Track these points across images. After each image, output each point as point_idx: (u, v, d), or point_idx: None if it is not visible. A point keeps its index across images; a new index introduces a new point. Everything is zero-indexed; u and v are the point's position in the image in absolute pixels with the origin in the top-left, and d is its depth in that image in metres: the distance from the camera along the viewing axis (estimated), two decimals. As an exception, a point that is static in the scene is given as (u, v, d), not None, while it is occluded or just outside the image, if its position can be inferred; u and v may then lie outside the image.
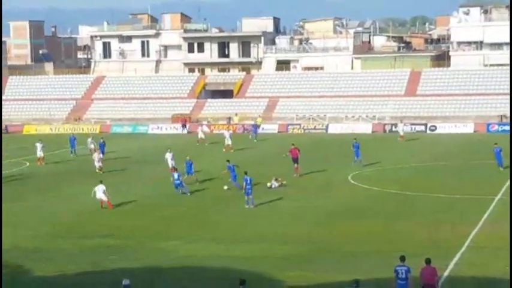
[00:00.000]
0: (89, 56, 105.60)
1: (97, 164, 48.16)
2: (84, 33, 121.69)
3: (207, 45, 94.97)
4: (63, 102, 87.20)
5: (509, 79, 75.91)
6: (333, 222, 32.33)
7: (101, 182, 36.59)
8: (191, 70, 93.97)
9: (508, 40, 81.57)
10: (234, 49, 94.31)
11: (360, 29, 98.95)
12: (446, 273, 23.71)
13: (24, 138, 72.95)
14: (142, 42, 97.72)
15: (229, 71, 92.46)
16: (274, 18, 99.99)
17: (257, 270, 24.64)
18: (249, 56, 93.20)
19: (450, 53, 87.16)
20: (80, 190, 39.95)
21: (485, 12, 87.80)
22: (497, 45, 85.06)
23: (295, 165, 45.04)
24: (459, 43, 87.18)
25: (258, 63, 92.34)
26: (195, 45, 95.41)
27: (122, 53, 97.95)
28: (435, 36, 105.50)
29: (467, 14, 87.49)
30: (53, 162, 54.23)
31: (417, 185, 40.71)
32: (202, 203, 37.48)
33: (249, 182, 35.52)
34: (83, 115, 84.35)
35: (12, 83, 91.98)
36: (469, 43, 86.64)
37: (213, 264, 25.99)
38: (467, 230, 29.50)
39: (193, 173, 42.82)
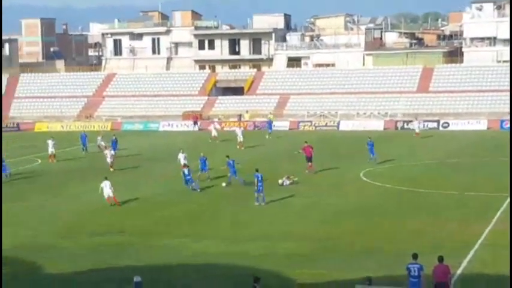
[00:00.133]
0: (100, 54, 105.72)
1: (109, 161, 48.20)
2: (95, 30, 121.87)
3: (217, 42, 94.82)
4: (74, 100, 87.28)
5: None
6: (345, 219, 32.07)
7: (106, 178, 36.70)
8: (202, 67, 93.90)
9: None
10: (244, 46, 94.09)
11: (371, 25, 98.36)
12: (459, 271, 23.44)
13: (36, 135, 73.16)
14: (153, 40, 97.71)
15: (240, 68, 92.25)
16: (285, 14, 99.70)
17: (266, 267, 24.41)
18: (259, 53, 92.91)
19: (463, 49, 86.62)
20: (92, 187, 39.85)
21: (499, 7, 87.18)
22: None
23: (309, 163, 44.67)
24: (472, 39, 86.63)
25: (269, 60, 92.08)
26: (206, 42, 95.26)
27: (133, 50, 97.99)
28: (447, 32, 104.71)
29: (480, 9, 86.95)
30: (65, 159, 54.32)
31: (430, 182, 40.37)
32: (212, 200, 37.30)
33: (260, 179, 35.28)
34: (94, 112, 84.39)
35: (23, 80, 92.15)
36: (482, 39, 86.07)
37: (221, 261, 25.84)
38: (480, 228, 29.20)
39: (207, 169, 42.72)
